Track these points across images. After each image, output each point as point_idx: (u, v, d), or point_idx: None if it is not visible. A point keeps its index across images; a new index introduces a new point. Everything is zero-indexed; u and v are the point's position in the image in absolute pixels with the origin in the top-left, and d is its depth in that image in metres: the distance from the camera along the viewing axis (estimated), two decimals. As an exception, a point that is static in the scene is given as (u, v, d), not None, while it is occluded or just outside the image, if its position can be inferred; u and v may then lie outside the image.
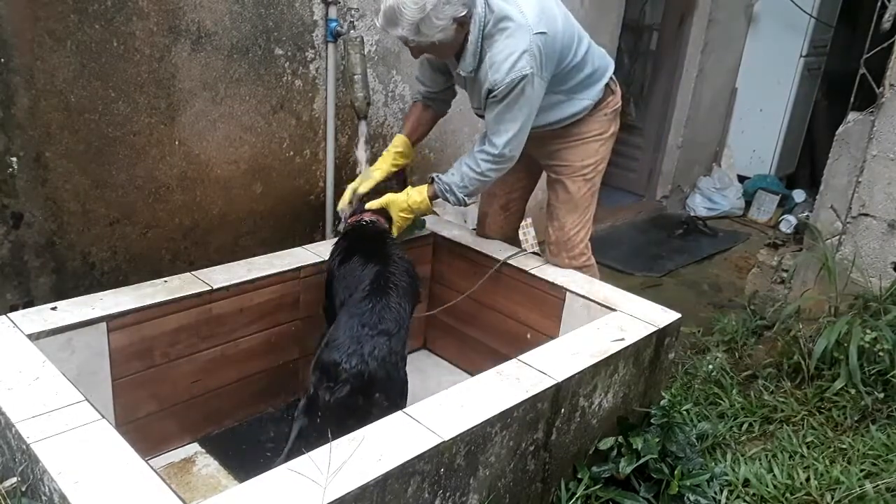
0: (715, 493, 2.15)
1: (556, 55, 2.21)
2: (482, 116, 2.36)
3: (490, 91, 2.16)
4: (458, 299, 2.59)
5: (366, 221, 2.35)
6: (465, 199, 2.36)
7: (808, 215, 3.60)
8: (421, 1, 1.98)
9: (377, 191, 2.42)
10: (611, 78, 2.44)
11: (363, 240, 2.27)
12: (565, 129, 2.42)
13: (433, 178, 2.39)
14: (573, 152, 2.43)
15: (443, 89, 2.51)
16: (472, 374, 2.28)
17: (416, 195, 2.39)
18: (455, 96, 2.57)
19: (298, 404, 1.98)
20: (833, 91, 5.18)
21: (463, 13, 2.05)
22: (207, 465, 2.21)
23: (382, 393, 1.88)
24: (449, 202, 2.39)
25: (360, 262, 2.16)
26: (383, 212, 2.38)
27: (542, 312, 2.47)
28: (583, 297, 2.35)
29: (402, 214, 2.39)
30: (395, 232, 2.40)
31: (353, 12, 2.83)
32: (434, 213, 2.53)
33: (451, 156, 3.49)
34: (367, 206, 2.38)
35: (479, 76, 2.20)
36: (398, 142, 2.51)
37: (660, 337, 2.18)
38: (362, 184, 2.42)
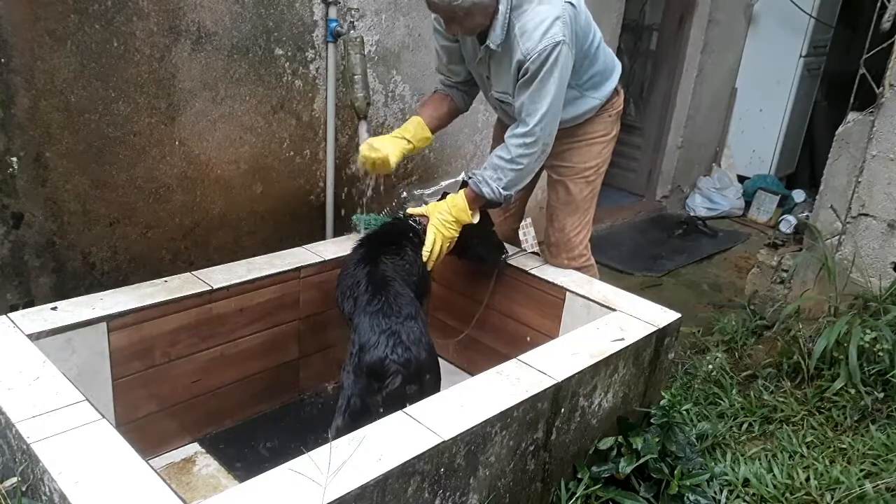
0: (715, 492, 2.15)
1: (581, 33, 2.21)
2: (501, 103, 2.33)
3: (521, 63, 2.12)
4: (480, 312, 2.60)
5: (396, 219, 2.34)
6: (501, 190, 2.24)
7: (807, 215, 3.60)
8: None
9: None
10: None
11: (384, 236, 2.28)
12: (572, 129, 2.41)
13: (469, 176, 2.31)
14: (577, 153, 2.43)
15: (463, 80, 2.46)
16: (472, 374, 2.29)
17: (457, 199, 2.29)
18: (476, 93, 2.52)
19: (333, 425, 1.94)
20: (833, 91, 5.19)
21: None
22: (207, 465, 2.21)
23: (430, 373, 1.93)
24: (485, 196, 2.26)
25: (360, 258, 2.18)
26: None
27: (542, 312, 2.48)
28: (583, 296, 2.35)
29: (439, 217, 2.27)
30: (429, 243, 2.25)
31: (353, 12, 2.83)
32: (472, 221, 2.32)
33: (450, 156, 3.49)
34: (409, 210, 2.35)
35: (504, 51, 2.16)
36: (410, 123, 2.41)
37: (659, 337, 2.18)
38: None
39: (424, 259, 2.26)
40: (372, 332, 1.92)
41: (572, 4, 2.14)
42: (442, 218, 2.28)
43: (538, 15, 2.09)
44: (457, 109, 2.53)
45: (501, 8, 2.09)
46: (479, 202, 2.30)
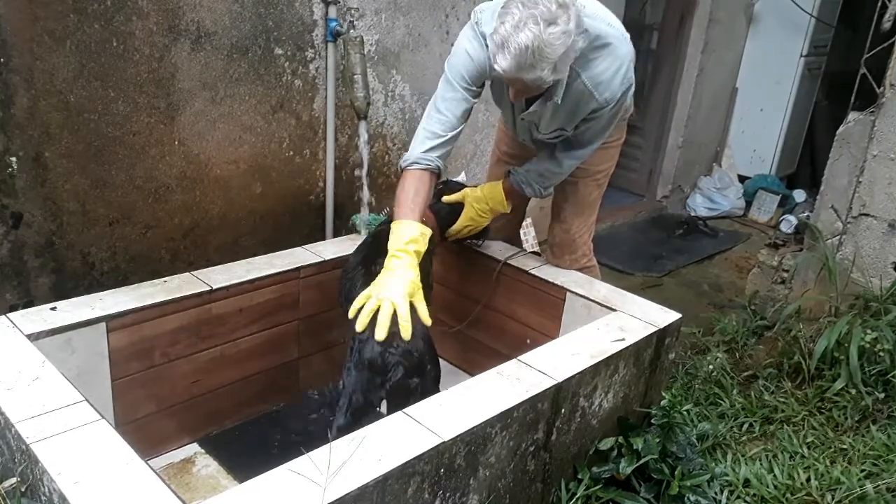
0: (715, 493, 2.15)
1: None
2: (548, 140, 2.25)
3: (597, 110, 2.08)
4: (476, 311, 2.61)
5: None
6: (542, 191, 2.35)
7: (808, 215, 3.60)
8: (563, 36, 1.77)
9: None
10: None
11: (381, 235, 2.26)
12: None
13: (509, 172, 2.38)
14: (594, 157, 2.39)
15: (459, 133, 2.15)
16: (472, 374, 2.28)
17: (490, 187, 2.39)
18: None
19: (334, 425, 1.92)
20: (833, 91, 5.18)
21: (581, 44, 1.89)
22: (207, 465, 2.21)
23: (430, 364, 1.93)
24: (525, 193, 2.38)
25: (359, 258, 2.18)
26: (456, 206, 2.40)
27: (542, 312, 2.47)
28: (583, 297, 2.35)
29: (476, 206, 2.38)
30: (459, 225, 2.38)
31: (352, 12, 2.83)
32: (506, 211, 2.44)
33: (454, 155, 3.48)
34: (445, 198, 2.41)
35: (566, 101, 2.04)
36: (424, 240, 1.99)
37: (660, 337, 2.18)
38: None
39: (449, 235, 2.41)
40: (369, 328, 1.90)
41: (629, 38, 2.10)
42: (478, 206, 2.37)
43: (612, 64, 2.02)
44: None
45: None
46: (516, 194, 2.41)
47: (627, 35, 2.10)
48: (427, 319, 1.90)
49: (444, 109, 2.10)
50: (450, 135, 2.10)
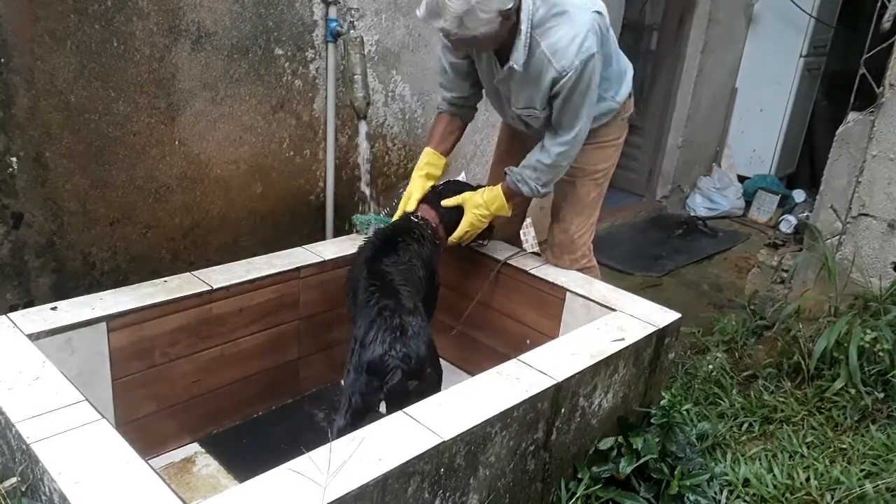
0: (715, 493, 2.15)
1: (605, 38, 2.19)
2: (523, 118, 2.30)
3: (556, 80, 2.09)
4: (471, 307, 2.61)
5: (415, 218, 2.36)
6: (540, 188, 2.34)
7: (808, 215, 3.60)
8: None
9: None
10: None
11: (387, 235, 2.28)
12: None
13: (505, 173, 2.38)
14: (589, 156, 2.40)
15: (469, 95, 2.44)
16: (472, 374, 2.29)
17: (490, 192, 2.39)
18: (481, 100, 2.51)
19: (335, 426, 1.95)
20: (833, 91, 5.18)
21: (509, 6, 1.95)
22: (207, 465, 2.21)
23: (430, 367, 1.93)
24: (522, 192, 2.37)
25: (365, 256, 2.19)
26: (456, 210, 2.41)
27: (542, 312, 2.47)
28: (583, 297, 2.35)
29: (476, 212, 2.38)
30: (461, 232, 2.40)
31: (353, 12, 2.83)
32: (507, 214, 2.47)
33: (454, 155, 3.48)
34: (444, 202, 2.40)
35: (529, 70, 2.11)
36: (425, 158, 2.45)
37: (660, 337, 2.18)
38: (407, 203, 2.42)
39: (452, 242, 2.42)
40: (370, 329, 1.91)
41: (600, 13, 2.12)
42: (478, 213, 2.39)
43: (569, 31, 2.05)
44: (465, 123, 2.52)
45: (523, 28, 2.04)
46: (516, 197, 2.41)
47: (596, 7, 2.11)
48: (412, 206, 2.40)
49: (442, 60, 2.38)
50: (454, 85, 2.40)
